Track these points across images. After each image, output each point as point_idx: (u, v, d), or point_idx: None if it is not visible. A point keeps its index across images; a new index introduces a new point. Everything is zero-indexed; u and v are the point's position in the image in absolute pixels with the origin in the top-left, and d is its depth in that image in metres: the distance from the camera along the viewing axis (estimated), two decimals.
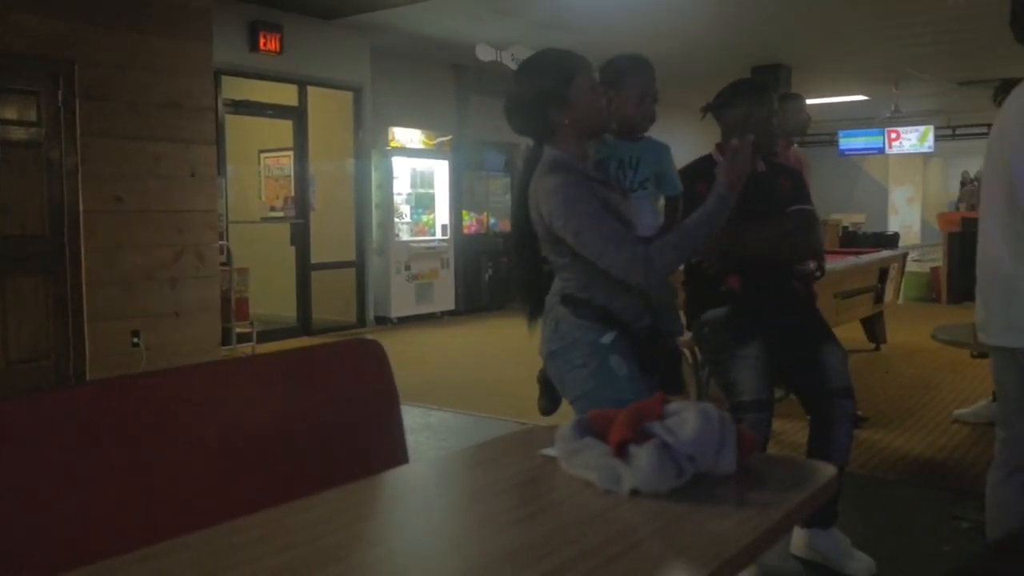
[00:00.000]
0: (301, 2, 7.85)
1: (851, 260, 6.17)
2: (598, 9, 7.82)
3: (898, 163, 21.59)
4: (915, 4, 7.92)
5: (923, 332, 3.20)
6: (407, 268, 9.24)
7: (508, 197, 10.55)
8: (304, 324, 8.48)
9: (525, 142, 2.21)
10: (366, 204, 9.11)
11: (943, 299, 10.30)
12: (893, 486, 3.80)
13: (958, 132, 15.75)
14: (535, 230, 2.13)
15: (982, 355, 3.53)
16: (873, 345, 7.03)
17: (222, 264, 6.74)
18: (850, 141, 15.68)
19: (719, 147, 3.00)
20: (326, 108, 8.80)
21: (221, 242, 6.81)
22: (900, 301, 9.42)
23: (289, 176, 8.89)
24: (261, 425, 1.80)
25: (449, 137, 9.92)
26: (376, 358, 2.07)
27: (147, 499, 1.54)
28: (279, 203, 9.08)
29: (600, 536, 1.15)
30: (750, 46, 9.77)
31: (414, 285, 9.32)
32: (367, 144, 9.04)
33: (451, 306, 9.72)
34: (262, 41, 7.79)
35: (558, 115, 2.09)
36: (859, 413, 4.51)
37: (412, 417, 5.09)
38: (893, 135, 14.93)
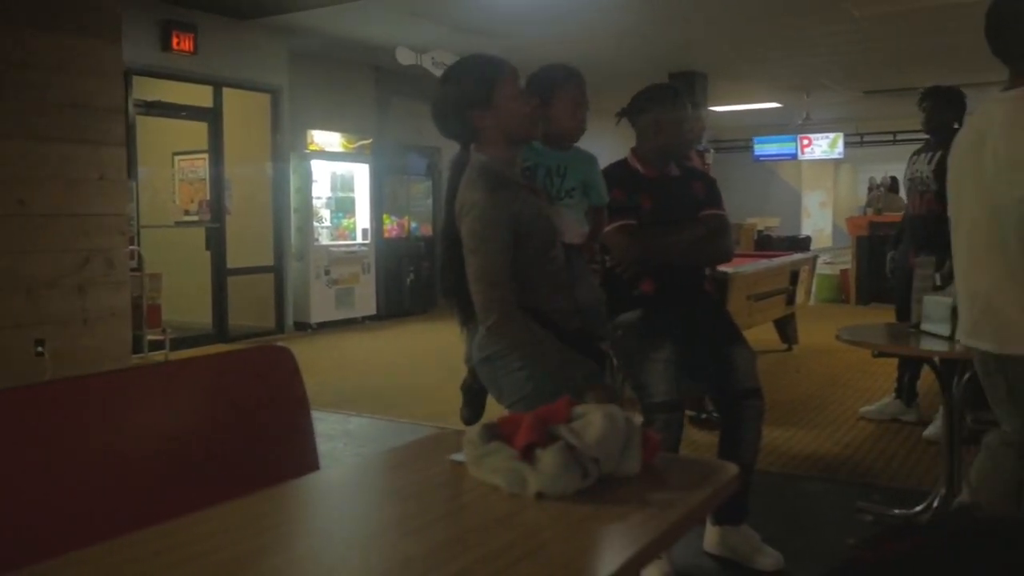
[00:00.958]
0: (216, 2, 7.68)
1: (763, 263, 6.35)
2: (518, 14, 7.86)
3: (810, 169, 22.30)
4: (823, 16, 8.19)
5: (833, 332, 3.30)
6: (327, 273, 9.13)
7: (430, 201, 10.53)
8: (220, 331, 8.29)
9: (449, 145, 2.21)
10: (284, 208, 8.97)
11: (852, 300, 10.66)
12: (802, 482, 3.92)
13: (866, 139, 16.36)
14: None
15: (883, 354, 3.67)
16: (785, 346, 7.23)
17: (133, 270, 6.54)
18: (764, 147, 16.12)
19: (634, 151, 3.05)
20: (243, 110, 8.64)
21: (132, 247, 6.61)
22: (812, 302, 9.72)
23: (204, 179, 8.69)
24: (167, 434, 1.76)
25: (370, 140, 9.85)
26: (286, 365, 2.04)
27: (49, 513, 1.49)
28: (194, 207, 8.86)
29: (504, 539, 1.16)
30: (667, 53, 9.95)
31: (334, 290, 9.21)
32: (285, 147, 8.90)
33: (372, 311, 9.64)
34: (175, 41, 7.60)
35: (480, 118, 2.09)
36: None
37: (330, 424, 5.03)
38: (805, 142, 15.40)
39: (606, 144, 13.63)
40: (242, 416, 1.93)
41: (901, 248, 4.63)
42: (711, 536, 3.02)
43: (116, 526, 1.25)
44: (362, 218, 9.62)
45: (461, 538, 1.19)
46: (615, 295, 2.99)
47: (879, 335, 3.36)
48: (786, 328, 7.16)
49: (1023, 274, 2.23)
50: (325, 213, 9.27)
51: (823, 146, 15.32)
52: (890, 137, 15.48)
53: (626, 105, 3.08)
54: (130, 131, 6.92)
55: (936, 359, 3.24)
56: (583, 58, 10.32)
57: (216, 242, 8.34)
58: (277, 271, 8.87)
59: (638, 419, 1.42)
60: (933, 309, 3.10)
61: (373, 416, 5.19)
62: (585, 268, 2.56)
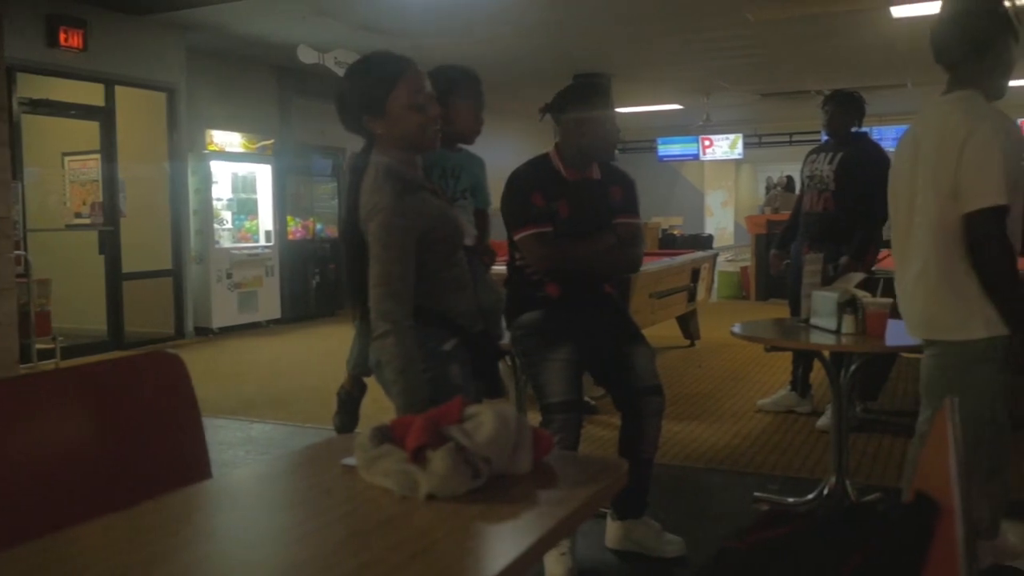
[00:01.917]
0: None
1: (665, 261, 6.49)
2: (422, 13, 7.83)
3: (712, 169, 22.92)
4: (720, 20, 8.42)
5: (735, 328, 3.39)
6: (229, 276, 8.91)
7: (336, 202, 10.38)
8: (116, 337, 7.99)
9: (355, 145, 2.18)
10: (183, 210, 8.70)
11: (752, 296, 10.99)
12: (701, 474, 4.02)
13: (764, 140, 16.91)
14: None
15: (774, 349, 3.81)
16: (688, 342, 7.41)
17: (19, 275, 6.25)
18: (668, 148, 16.50)
19: (557, 149, 2.98)
20: (137, 109, 8.35)
21: (18, 252, 6.31)
22: (713, 299, 9.99)
23: (97, 180, 8.36)
24: (53, 445, 1.69)
25: (272, 141, 9.65)
26: (175, 372, 1.98)
27: None
28: (86, 209, 8.51)
29: (391, 541, 1.15)
30: (572, 54, 10.07)
31: (237, 294, 8.99)
32: (182, 147, 8.64)
33: (277, 314, 9.45)
34: (62, 37, 7.29)
35: (373, 123, 2.06)
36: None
37: (232, 431, 4.91)
38: (707, 142, 15.83)
39: (510, 144, 13.80)
40: (130, 425, 1.86)
41: (796, 244, 4.80)
42: (613, 532, 3.07)
43: None
44: (265, 220, 9.43)
45: (348, 542, 1.18)
46: (518, 295, 3.00)
47: (770, 330, 3.48)
48: (688, 325, 7.34)
49: (949, 269, 2.40)
50: (226, 215, 9.04)
51: (724, 147, 15.78)
52: (787, 138, 16.05)
53: (550, 101, 3.01)
54: (14, 130, 6.60)
55: (824, 352, 3.36)
56: (489, 58, 10.37)
57: (110, 246, 8.03)
58: (176, 275, 8.60)
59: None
60: (821, 304, 3.22)
61: (277, 422, 5.09)
62: (482, 269, 2.57)
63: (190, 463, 1.91)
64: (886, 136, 13.91)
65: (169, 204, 8.64)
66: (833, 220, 4.49)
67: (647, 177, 18.30)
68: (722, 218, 25.08)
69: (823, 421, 4.61)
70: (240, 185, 9.22)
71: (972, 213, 2.34)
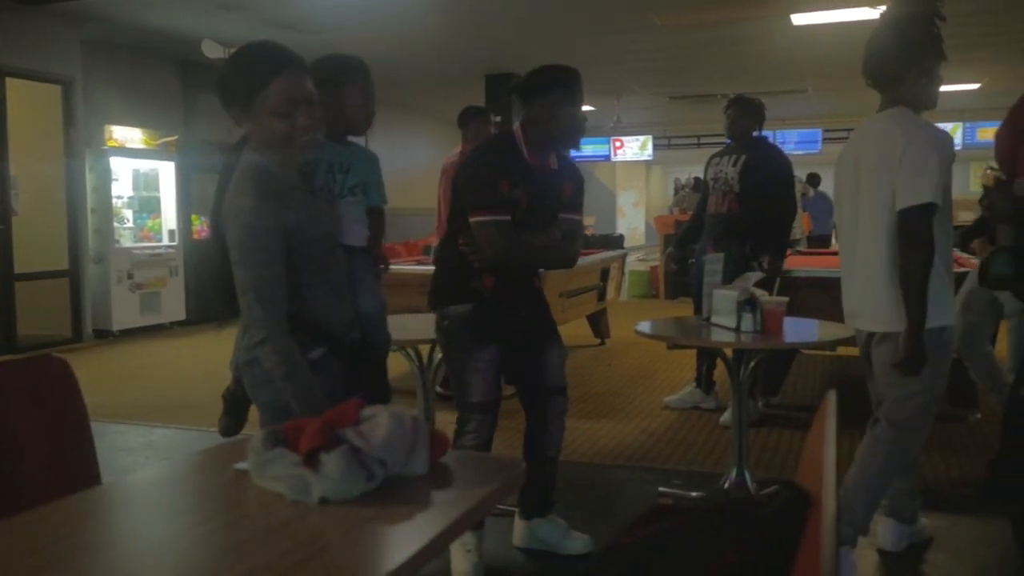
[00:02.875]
0: None
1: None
2: (331, 9, 7.73)
3: (624, 170, 23.31)
4: (628, 24, 8.56)
5: (641, 326, 3.44)
6: (130, 277, 8.61)
7: None
8: (8, 341, 7.63)
9: None
10: (80, 208, 8.37)
11: (661, 295, 11.21)
12: (609, 470, 4.08)
13: (673, 142, 17.26)
14: None
15: (676, 346, 3.91)
16: (598, 340, 7.51)
17: None
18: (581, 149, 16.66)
19: (523, 130, 2.86)
20: (30, 103, 7.98)
21: None
22: (624, 298, 10.16)
23: None
24: None
25: (175, 137, 9.37)
26: (62, 376, 1.91)
27: None
28: None
29: (280, 547, 1.14)
30: (483, 54, 10.09)
31: (138, 295, 8.70)
32: (80, 143, 8.30)
33: (181, 316, 9.17)
34: None
35: (239, 120, 1.96)
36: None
37: (132, 437, 4.75)
38: (617, 144, 16.05)
39: (419, 142, 13.65)
40: (13, 431, 1.78)
41: (700, 244, 4.91)
42: (520, 530, 3.09)
43: None
44: (169, 218, 9.14)
45: (237, 548, 1.15)
46: (451, 280, 2.90)
47: (673, 329, 3.55)
48: (598, 323, 7.44)
49: (896, 267, 2.59)
50: (127, 213, 8.74)
51: (634, 148, 16.03)
52: (695, 140, 16.42)
53: (521, 81, 2.89)
54: None
55: (725, 349, 3.45)
56: (399, 57, 10.29)
57: (1, 245, 7.66)
58: (73, 276, 8.26)
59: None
60: (721, 303, 3.30)
61: (179, 426, 4.94)
62: (369, 272, 2.44)
63: (77, 470, 1.84)
64: (788, 139, 14.39)
65: (66, 202, 8.29)
66: (738, 220, 4.63)
67: None
68: (633, 218, 25.54)
69: (726, 416, 4.73)
70: (142, 183, 8.92)
71: (905, 209, 2.55)
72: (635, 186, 25.84)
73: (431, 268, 3.07)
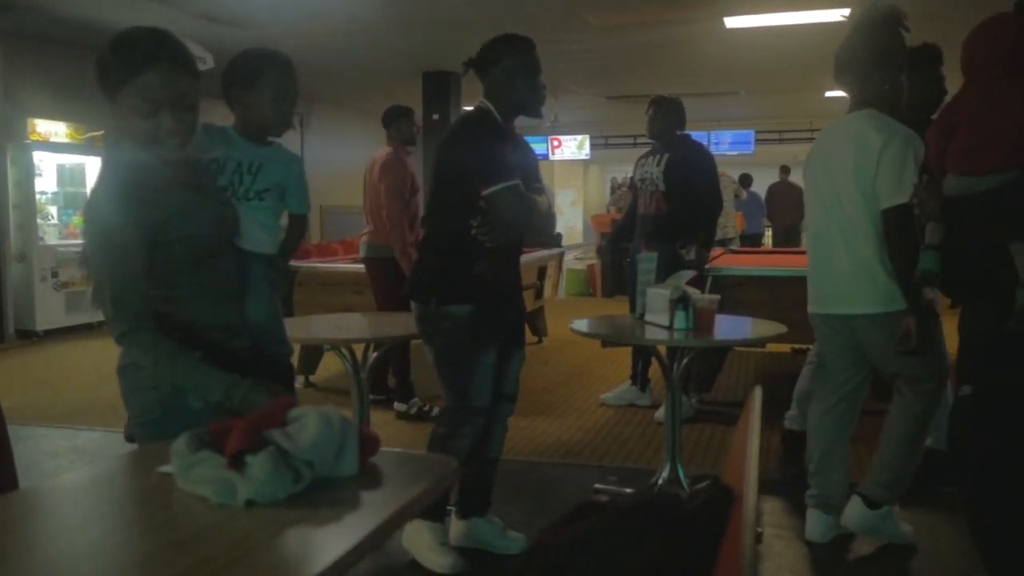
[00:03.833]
0: None
1: None
2: (265, 3, 7.59)
3: (562, 168, 23.42)
4: (563, 23, 8.60)
5: (578, 324, 3.45)
6: (55, 275, 8.34)
7: None
8: None
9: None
10: (2, 204, 8.08)
11: (598, 293, 11.31)
12: (545, 468, 4.10)
13: (610, 141, 17.42)
14: None
15: (609, 344, 3.94)
16: (536, 338, 7.54)
17: None
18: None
19: (486, 101, 2.81)
20: None
21: None
22: (561, 296, 10.22)
23: None
24: None
25: (102, 132, 9.10)
26: None
27: None
28: None
29: (204, 552, 1.11)
30: (420, 51, 10.03)
31: (64, 294, 8.44)
32: (1, 137, 8.01)
33: None
34: None
35: (108, 105, 1.80)
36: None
37: (56, 440, 4.61)
38: (556, 142, 16.12)
39: (359, 139, 13.49)
40: None
41: (634, 244, 4.97)
42: (456, 529, 3.08)
43: None
44: None
45: (161, 553, 1.13)
46: (448, 269, 2.80)
47: (608, 327, 3.58)
48: (536, 321, 7.46)
49: (870, 255, 2.78)
50: (52, 209, 8.48)
51: (572, 147, 16.11)
52: (631, 140, 16.58)
53: (475, 56, 2.83)
54: None
55: (658, 347, 3.49)
56: (334, 54, 10.18)
57: None
58: None
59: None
60: (654, 301, 3.34)
61: (107, 429, 4.81)
62: (265, 280, 2.25)
63: None
64: (722, 140, 14.64)
65: None
66: (666, 219, 4.70)
67: None
68: (571, 217, 25.69)
69: (660, 413, 4.80)
70: (67, 178, 8.66)
71: (888, 209, 2.73)
72: (573, 185, 26.01)
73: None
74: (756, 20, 8.24)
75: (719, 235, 8.33)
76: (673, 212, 4.69)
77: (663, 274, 3.73)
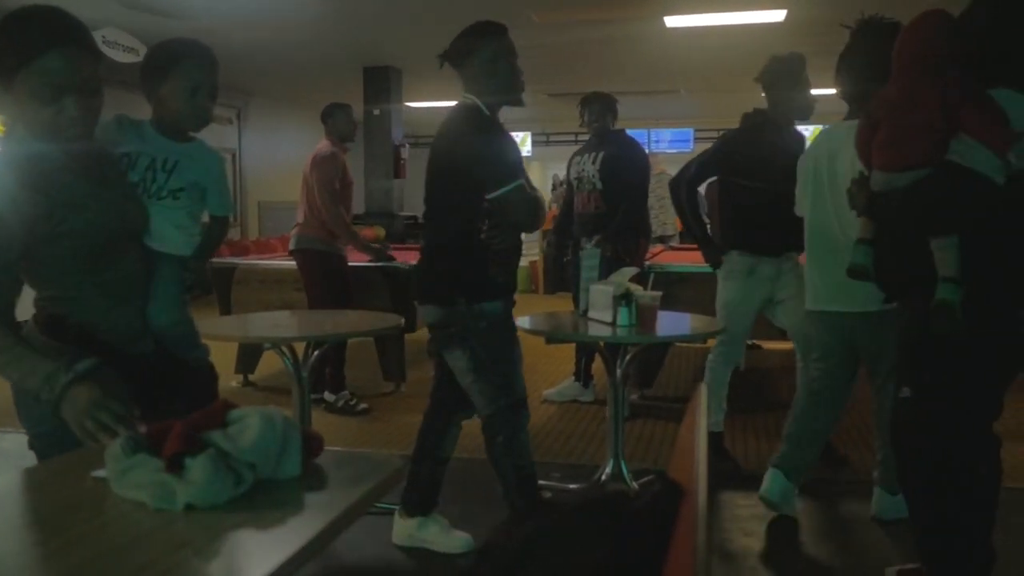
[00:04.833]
0: None
1: None
2: None
3: None
4: (506, 20, 8.57)
5: (521, 321, 3.44)
6: None
7: None
8: None
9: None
10: None
11: (540, 290, 11.34)
12: (488, 465, 4.06)
13: (552, 139, 17.48)
14: None
15: (553, 340, 3.97)
16: None
17: None
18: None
19: (475, 97, 2.76)
20: None
21: None
22: None
23: None
24: None
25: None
26: None
27: None
28: None
29: (142, 560, 1.08)
30: (363, 47, 9.93)
31: None
32: None
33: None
34: None
35: (4, 93, 1.69)
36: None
37: None
38: None
39: (299, 135, 13.22)
40: None
41: (573, 241, 4.98)
42: (401, 528, 3.06)
43: None
44: None
45: (95, 562, 1.09)
46: (473, 274, 2.74)
47: (551, 323, 3.59)
48: None
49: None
50: None
51: None
52: (572, 137, 16.66)
53: (449, 48, 2.77)
54: None
55: (600, 343, 3.51)
56: (275, 46, 9.98)
57: None
58: None
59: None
60: (597, 298, 3.36)
61: None
62: (174, 285, 2.10)
63: None
64: (662, 138, 14.82)
65: None
66: (606, 218, 4.70)
67: None
68: None
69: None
70: None
71: None
72: None
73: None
74: (696, 20, 8.35)
75: (658, 232, 8.42)
76: (612, 211, 4.70)
77: (605, 271, 3.76)
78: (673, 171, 4.46)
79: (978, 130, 2.15)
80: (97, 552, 1.11)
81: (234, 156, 12.85)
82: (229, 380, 5.63)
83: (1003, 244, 2.25)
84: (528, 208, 2.68)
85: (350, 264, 5.13)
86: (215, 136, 11.40)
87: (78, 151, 1.74)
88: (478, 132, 2.69)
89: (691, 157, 4.07)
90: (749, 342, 6.47)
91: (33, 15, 1.67)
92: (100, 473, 1.34)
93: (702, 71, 11.20)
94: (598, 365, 5.21)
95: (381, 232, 10.96)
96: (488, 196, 2.63)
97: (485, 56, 2.71)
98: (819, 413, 3.19)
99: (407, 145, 11.77)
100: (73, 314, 1.75)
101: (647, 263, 4.93)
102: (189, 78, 2.11)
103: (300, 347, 3.35)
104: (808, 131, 14.06)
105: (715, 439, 3.87)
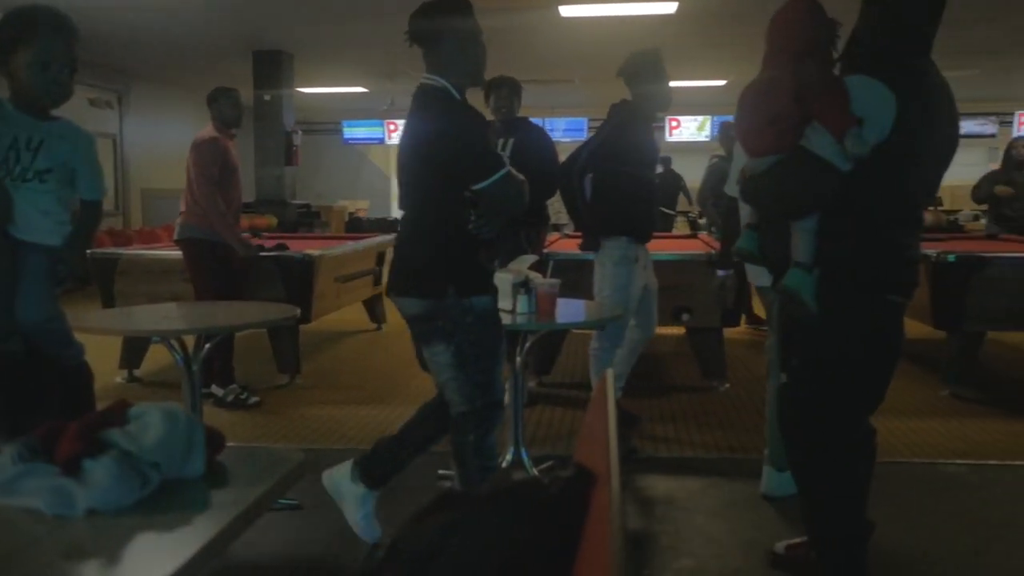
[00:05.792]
0: None
1: (350, 245, 6.46)
2: None
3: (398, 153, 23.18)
4: (402, 5, 8.48)
5: None
6: None
7: None
8: None
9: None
10: None
11: None
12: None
13: None
14: None
15: None
16: (374, 325, 7.46)
17: None
18: (353, 131, 16.40)
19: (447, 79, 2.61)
20: None
21: None
22: None
23: None
24: None
25: None
26: None
27: None
28: None
29: (31, 567, 1.03)
30: (252, 31, 9.65)
31: None
32: None
33: None
34: None
35: None
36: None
37: None
38: (392, 127, 15.93)
39: (185, 119, 12.80)
40: None
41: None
42: (339, 477, 3.02)
43: None
44: None
45: None
46: (463, 266, 2.64)
47: None
48: (374, 308, 7.39)
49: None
50: None
51: None
52: None
53: (414, 26, 2.60)
54: None
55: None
56: (160, 27, 9.60)
57: None
58: None
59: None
60: (497, 285, 3.38)
61: None
62: (41, 276, 2.01)
63: None
64: (556, 127, 14.95)
65: None
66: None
67: (333, 159, 18.12)
68: None
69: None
70: None
71: None
72: None
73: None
74: (591, 10, 8.46)
75: (554, 219, 8.52)
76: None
77: (506, 259, 3.78)
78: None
79: (822, 116, 2.23)
80: None
81: (115, 141, 12.29)
82: (113, 376, 5.41)
83: (860, 229, 2.29)
84: (514, 194, 2.60)
85: None
86: (93, 119, 10.86)
87: None
88: (459, 120, 2.58)
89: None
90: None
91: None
92: None
93: (596, 61, 11.34)
94: None
95: (273, 221, 10.71)
96: (476, 187, 2.54)
97: (458, 36, 2.59)
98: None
99: (299, 132, 11.52)
100: None
101: (545, 251, 4.98)
102: (42, 49, 1.96)
103: (190, 340, 3.24)
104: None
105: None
